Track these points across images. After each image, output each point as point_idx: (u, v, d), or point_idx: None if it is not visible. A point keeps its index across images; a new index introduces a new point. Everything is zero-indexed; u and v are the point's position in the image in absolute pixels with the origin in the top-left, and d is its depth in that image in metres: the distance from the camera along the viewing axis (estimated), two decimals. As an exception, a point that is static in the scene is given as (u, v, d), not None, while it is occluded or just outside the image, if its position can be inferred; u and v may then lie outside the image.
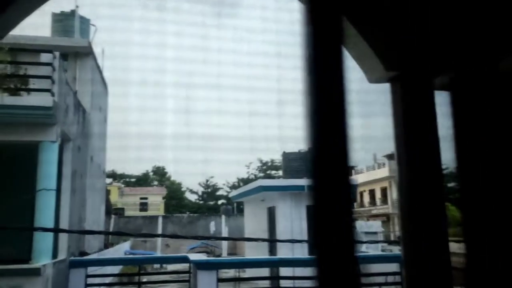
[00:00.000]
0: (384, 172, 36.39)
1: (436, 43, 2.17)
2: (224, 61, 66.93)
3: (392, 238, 30.63)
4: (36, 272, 7.35)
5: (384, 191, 37.92)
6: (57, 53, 8.68)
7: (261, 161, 49.00)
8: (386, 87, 2.23)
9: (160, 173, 53.05)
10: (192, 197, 50.53)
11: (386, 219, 34.46)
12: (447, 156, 2.20)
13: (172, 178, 52.17)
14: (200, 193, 50.07)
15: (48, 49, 9.15)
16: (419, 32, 2.16)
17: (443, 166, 2.14)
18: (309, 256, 12.49)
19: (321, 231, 0.73)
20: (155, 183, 51.40)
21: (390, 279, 9.04)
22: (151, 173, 53.05)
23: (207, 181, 49.59)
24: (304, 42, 0.79)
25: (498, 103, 2.16)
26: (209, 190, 49.88)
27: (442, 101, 2.22)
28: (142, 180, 51.07)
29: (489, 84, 2.18)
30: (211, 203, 48.76)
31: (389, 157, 34.20)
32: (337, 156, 0.74)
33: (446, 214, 2.10)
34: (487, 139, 2.12)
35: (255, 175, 47.58)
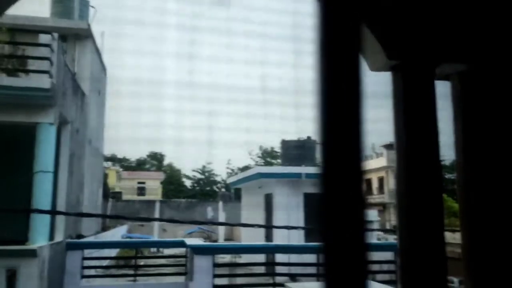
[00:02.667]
0: (381, 161, 36.51)
1: (439, 32, 2.14)
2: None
3: (387, 227, 30.89)
4: (32, 253, 7.38)
5: (381, 180, 38.08)
6: (55, 35, 8.58)
7: (261, 148, 49.07)
8: (386, 76, 2.21)
9: (158, 159, 53.11)
10: (189, 183, 50.66)
11: (382, 208, 34.66)
12: (446, 147, 2.19)
13: (169, 162, 52.29)
14: (196, 179, 50.22)
15: (47, 30, 9.06)
16: (422, 21, 2.13)
17: (441, 157, 2.13)
18: (305, 243, 12.59)
19: (331, 219, 0.72)
20: (154, 168, 51.50)
21: (385, 267, 9.13)
22: (149, 158, 53.13)
23: (204, 167, 49.72)
24: (317, 43, 0.77)
25: (501, 94, 2.14)
26: (206, 175, 49.99)
27: (442, 90, 2.21)
28: (142, 165, 51.15)
29: (492, 75, 2.17)
30: (208, 188, 48.94)
31: (387, 147, 34.26)
32: (350, 144, 0.73)
33: (443, 204, 2.10)
34: (488, 130, 2.11)
35: (256, 162, 47.70)
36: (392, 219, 33.00)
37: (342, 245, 0.73)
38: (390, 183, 35.36)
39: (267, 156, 49.15)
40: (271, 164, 44.78)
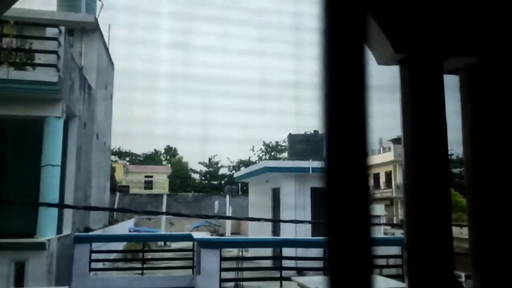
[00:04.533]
0: (389, 156, 36.34)
1: (447, 25, 2.11)
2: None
3: (394, 221, 30.82)
4: (41, 246, 7.46)
5: (388, 175, 37.93)
6: (62, 28, 8.60)
7: (264, 143, 49.06)
8: (394, 69, 2.19)
9: (172, 154, 53.28)
10: (196, 176, 50.79)
11: (389, 203, 34.58)
12: (453, 141, 2.17)
13: (178, 156, 52.40)
14: (203, 173, 50.34)
15: (54, 24, 9.08)
16: (430, 13, 2.10)
17: (449, 152, 2.11)
18: (312, 237, 12.59)
19: (336, 214, 0.71)
20: (165, 162, 51.68)
21: (392, 261, 9.11)
22: (163, 151, 53.33)
23: (210, 160, 49.81)
24: (321, 34, 0.75)
25: (510, 88, 2.11)
26: (212, 169, 50.07)
27: (451, 84, 2.18)
28: (149, 159, 51.39)
29: (501, 69, 2.13)
30: (215, 182, 49.06)
31: (395, 141, 34.09)
32: (355, 138, 0.72)
33: (450, 199, 2.08)
34: (497, 125, 2.08)
35: (259, 157, 47.70)
36: (399, 213, 32.90)
37: (347, 239, 0.72)
38: (398, 177, 35.22)
39: (272, 150, 49.09)
40: (277, 158, 44.76)
